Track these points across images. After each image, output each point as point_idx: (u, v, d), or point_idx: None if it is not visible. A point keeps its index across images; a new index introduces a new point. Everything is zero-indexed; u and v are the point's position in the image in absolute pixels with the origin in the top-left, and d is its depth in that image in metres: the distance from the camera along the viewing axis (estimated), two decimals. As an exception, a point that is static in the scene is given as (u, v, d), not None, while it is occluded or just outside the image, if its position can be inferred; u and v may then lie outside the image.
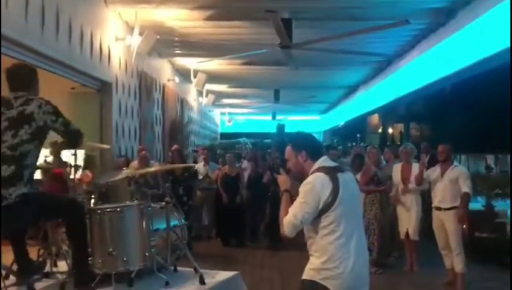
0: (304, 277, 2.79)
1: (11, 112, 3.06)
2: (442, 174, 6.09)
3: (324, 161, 2.90)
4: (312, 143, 3.01)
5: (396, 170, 6.90)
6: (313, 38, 8.81)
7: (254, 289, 5.69)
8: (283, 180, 2.98)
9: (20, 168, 2.95)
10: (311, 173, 2.83)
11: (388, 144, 24.60)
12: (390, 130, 30.87)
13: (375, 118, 29.13)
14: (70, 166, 3.65)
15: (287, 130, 25.30)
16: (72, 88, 8.67)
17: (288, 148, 2.97)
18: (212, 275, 3.37)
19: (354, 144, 27.04)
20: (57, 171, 6.82)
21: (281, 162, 3.34)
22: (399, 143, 25.26)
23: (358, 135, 27.82)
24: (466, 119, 22.92)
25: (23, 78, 3.23)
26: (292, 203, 2.80)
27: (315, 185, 2.73)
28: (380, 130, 31.33)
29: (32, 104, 3.08)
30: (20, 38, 5.47)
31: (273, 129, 25.94)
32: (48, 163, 3.72)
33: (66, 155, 3.60)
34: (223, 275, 3.43)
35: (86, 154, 7.67)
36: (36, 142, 3.07)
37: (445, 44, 9.45)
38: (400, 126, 30.12)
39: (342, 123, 24.77)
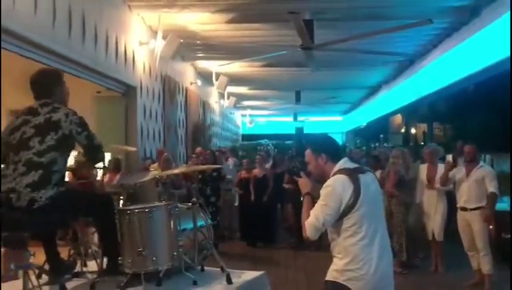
0: (328, 278, 2.81)
1: (37, 118, 3.11)
2: (468, 174, 6.03)
3: (345, 162, 2.92)
4: (331, 145, 3.04)
5: (422, 170, 6.85)
6: (335, 39, 8.78)
7: (279, 289, 5.73)
8: (304, 183, 3.01)
9: (49, 173, 3.01)
10: (332, 175, 2.85)
11: (411, 144, 24.35)
12: (413, 130, 30.54)
13: (398, 118, 28.87)
14: (99, 168, 3.73)
15: (308, 131, 25.29)
16: (98, 92, 8.85)
17: (307, 152, 3.00)
18: (239, 274, 3.41)
19: (377, 144, 26.82)
20: (83, 173, 6.99)
21: (301, 165, 3.35)
22: (422, 143, 24.97)
23: (381, 136, 27.60)
24: (490, 118, 22.54)
25: (46, 85, 3.27)
26: (314, 206, 2.82)
27: (336, 187, 2.75)
28: (402, 130, 31.04)
29: (59, 112, 3.13)
30: (48, 44, 5.60)
31: (294, 130, 25.93)
32: (77, 163, 3.81)
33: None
34: (250, 274, 3.46)
35: (111, 156, 7.83)
36: (62, 150, 3.11)
37: (469, 43, 9.34)
38: (423, 126, 29.81)
39: (365, 124, 24.62)
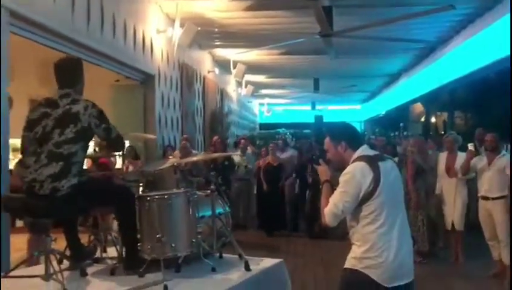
0: (346, 265, 2.79)
1: (57, 111, 3.14)
2: (490, 163, 5.92)
3: (364, 150, 2.88)
4: (351, 133, 3.00)
5: (441, 159, 6.75)
6: (354, 25, 8.67)
7: (297, 278, 5.74)
8: (323, 170, 2.98)
9: (69, 164, 3.06)
10: (352, 163, 2.82)
11: (431, 133, 24.02)
12: (433, 119, 30.12)
13: (418, 106, 28.46)
14: (119, 156, 3.77)
15: (326, 120, 25.12)
16: (117, 80, 8.91)
17: (327, 140, 2.96)
18: (257, 261, 3.40)
19: (396, 133, 26.52)
20: (103, 161, 7.07)
21: (320, 153, 3.32)
22: (443, 132, 24.62)
23: (401, 124, 27.28)
24: (512, 107, 22.03)
25: (72, 72, 3.29)
26: (333, 193, 2.80)
27: (355, 174, 2.72)
28: (422, 119, 30.63)
29: (78, 105, 3.14)
30: (67, 32, 5.64)
31: (312, 119, 25.79)
32: (96, 152, 3.85)
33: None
34: (268, 261, 3.45)
35: (129, 145, 7.90)
36: (82, 143, 3.14)
37: (492, 29, 9.12)
38: (444, 115, 29.34)
39: (384, 112, 24.36)
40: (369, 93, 24.61)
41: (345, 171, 2.76)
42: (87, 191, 3.10)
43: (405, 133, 24.43)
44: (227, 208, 3.60)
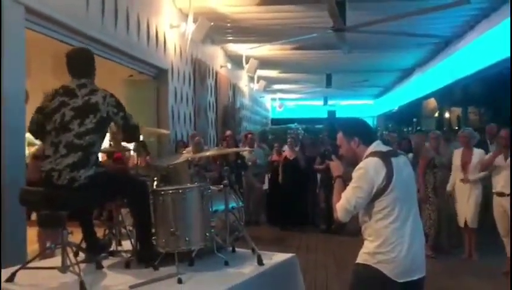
0: (358, 260, 2.80)
1: (75, 101, 3.15)
2: (506, 159, 5.86)
3: (377, 145, 2.88)
4: (364, 128, 3.00)
5: (456, 155, 6.67)
6: (367, 20, 8.61)
7: (309, 273, 5.75)
8: (335, 166, 2.99)
9: (88, 154, 3.10)
10: (365, 158, 2.82)
11: (444, 128, 23.82)
12: (447, 115, 29.84)
13: (432, 102, 28.22)
14: (132, 150, 3.80)
15: (338, 115, 25.01)
16: (130, 76, 8.90)
17: (339, 135, 2.96)
18: (270, 256, 3.42)
19: (409, 128, 26.33)
20: (118, 156, 7.13)
21: (332, 148, 3.32)
22: (456, 128, 24.39)
23: (414, 120, 27.07)
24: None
25: (84, 62, 3.31)
26: (345, 189, 2.80)
27: (368, 169, 2.72)
28: (436, 115, 30.36)
29: (97, 95, 3.17)
30: (81, 27, 5.69)
31: (324, 114, 25.69)
32: (111, 147, 3.88)
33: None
34: (280, 256, 3.47)
35: (143, 139, 7.93)
36: (100, 133, 3.19)
37: (507, 24, 8.99)
38: (458, 110, 29.05)
39: (396, 108, 24.20)
40: (382, 89, 24.42)
41: (358, 166, 2.77)
42: (104, 182, 3.14)
43: (418, 128, 24.27)
44: (240, 203, 3.62)
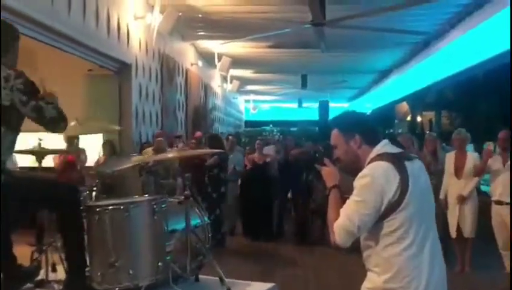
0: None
1: None
2: (505, 164, 5.31)
3: (385, 145, 2.20)
4: (366, 124, 2.31)
5: (449, 159, 6.04)
6: (347, 14, 8.11)
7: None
8: (330, 173, 2.25)
9: None
10: (369, 162, 2.13)
11: (416, 132, 23.70)
12: (419, 118, 29.81)
13: (404, 106, 28.12)
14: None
15: (310, 118, 24.50)
16: (90, 70, 8.25)
17: (335, 133, 2.26)
18: (243, 287, 2.70)
19: (391, 130, 26.20)
20: (70, 159, 6.31)
21: (325, 149, 2.59)
22: (427, 131, 24.33)
23: (396, 121, 26.97)
24: (500, 107, 21.66)
25: (3, 39, 2.48)
26: (343, 203, 2.11)
27: (376, 177, 2.04)
28: (408, 118, 30.33)
29: None
30: (29, 11, 4.91)
31: (299, 117, 25.21)
32: (42, 148, 3.05)
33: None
34: (257, 287, 2.75)
35: (105, 139, 7.16)
36: (3, 127, 2.35)
37: (492, 22, 8.60)
38: (430, 114, 29.04)
39: (370, 111, 23.96)
40: (358, 90, 24.20)
41: (362, 173, 2.07)
42: (14, 192, 2.34)
43: (391, 130, 24.13)
44: (205, 219, 2.87)
